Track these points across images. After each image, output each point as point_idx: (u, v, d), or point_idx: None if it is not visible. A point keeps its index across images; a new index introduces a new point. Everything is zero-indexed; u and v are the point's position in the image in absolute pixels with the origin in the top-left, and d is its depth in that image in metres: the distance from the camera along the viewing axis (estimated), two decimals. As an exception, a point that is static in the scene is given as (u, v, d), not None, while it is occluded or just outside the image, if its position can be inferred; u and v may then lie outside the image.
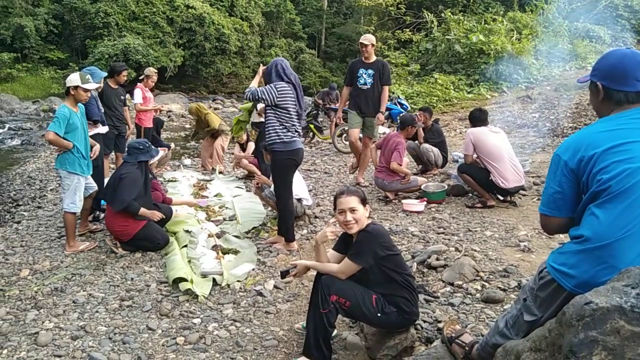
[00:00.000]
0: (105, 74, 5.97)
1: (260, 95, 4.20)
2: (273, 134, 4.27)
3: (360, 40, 6.31)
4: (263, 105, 4.42)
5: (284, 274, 3.00)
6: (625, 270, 1.60)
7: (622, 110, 1.81)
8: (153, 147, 4.89)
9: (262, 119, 4.81)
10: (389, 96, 12.03)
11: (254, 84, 4.35)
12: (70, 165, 4.51)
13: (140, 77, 7.80)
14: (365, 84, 6.22)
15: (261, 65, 4.63)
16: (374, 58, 6.30)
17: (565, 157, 1.81)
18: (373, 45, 6.27)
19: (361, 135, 6.59)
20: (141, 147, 4.68)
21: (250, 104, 5.75)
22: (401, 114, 7.52)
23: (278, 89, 4.21)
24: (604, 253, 1.70)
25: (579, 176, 1.78)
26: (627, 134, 1.74)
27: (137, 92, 7.44)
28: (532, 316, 1.92)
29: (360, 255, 2.64)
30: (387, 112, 10.47)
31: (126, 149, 4.87)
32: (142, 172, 4.62)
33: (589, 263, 1.73)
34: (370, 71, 6.19)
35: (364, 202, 2.75)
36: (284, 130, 4.25)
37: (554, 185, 1.85)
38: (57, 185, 7.26)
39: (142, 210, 4.48)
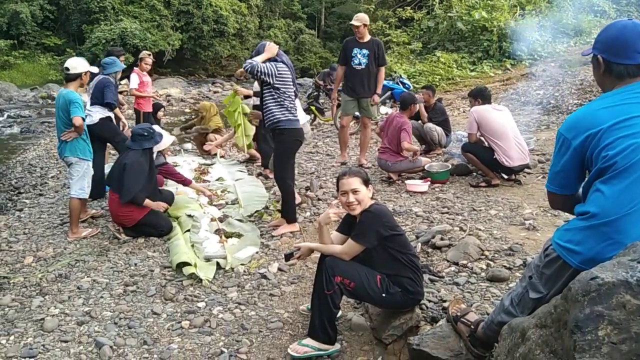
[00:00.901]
0: (124, 66, 6.00)
1: (261, 70, 4.09)
2: (278, 114, 4.22)
3: (352, 22, 6.19)
4: (256, 88, 4.36)
5: (288, 257, 3.00)
6: (631, 245, 1.60)
7: (624, 84, 1.78)
8: (157, 131, 4.84)
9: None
10: (392, 76, 11.95)
11: (260, 59, 4.16)
12: (81, 152, 4.55)
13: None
14: (359, 64, 6.13)
15: (271, 43, 4.39)
16: (368, 37, 6.20)
17: (569, 136, 1.80)
18: (365, 25, 6.14)
19: (358, 114, 6.53)
20: (145, 133, 4.62)
21: (234, 100, 5.66)
22: (402, 94, 7.45)
23: (278, 69, 4.14)
24: (610, 229, 1.69)
25: (584, 153, 1.77)
26: (631, 109, 1.71)
27: (134, 77, 7.38)
28: (537, 294, 1.91)
29: (364, 236, 2.62)
30: (389, 92, 10.40)
31: (130, 134, 4.84)
32: (146, 160, 4.58)
33: (595, 239, 1.72)
34: (364, 51, 6.10)
35: (366, 183, 2.72)
36: (285, 110, 4.20)
37: (559, 163, 1.85)
38: (58, 172, 7.25)
39: (147, 202, 4.47)
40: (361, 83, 6.17)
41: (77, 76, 4.54)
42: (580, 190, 1.90)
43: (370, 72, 6.14)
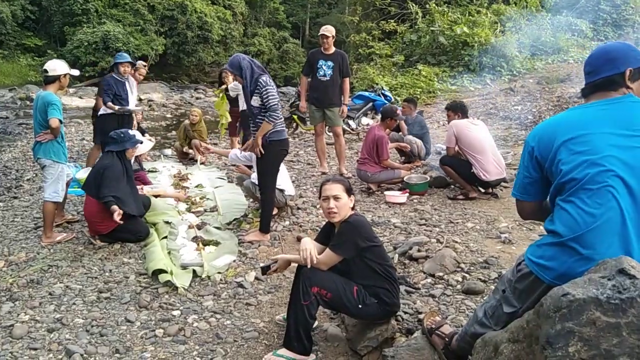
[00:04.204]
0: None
1: (277, 102, 4.14)
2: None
3: (321, 32, 6.32)
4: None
5: (265, 270, 2.94)
6: (602, 262, 1.62)
7: (587, 101, 1.90)
8: (132, 137, 4.78)
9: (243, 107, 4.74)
10: (373, 87, 12.05)
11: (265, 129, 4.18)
12: (55, 155, 4.46)
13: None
14: (324, 75, 6.26)
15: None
16: (333, 49, 6.33)
17: (532, 144, 1.89)
18: (334, 37, 6.30)
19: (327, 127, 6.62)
20: (115, 136, 4.61)
21: (223, 103, 5.75)
22: (383, 106, 7.53)
23: (274, 87, 4.19)
24: (576, 245, 1.72)
25: (543, 163, 1.85)
26: (587, 125, 1.78)
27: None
28: (511, 307, 1.94)
29: (342, 246, 2.63)
30: (371, 104, 10.48)
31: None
32: (121, 163, 4.54)
33: (565, 255, 1.75)
34: (329, 63, 6.23)
35: (348, 191, 2.74)
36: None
37: (523, 171, 1.94)
38: (34, 175, 7.10)
39: (113, 207, 4.23)
40: (326, 94, 6.31)
41: (56, 78, 4.48)
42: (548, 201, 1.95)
43: (335, 83, 6.28)
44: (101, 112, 6.06)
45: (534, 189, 1.92)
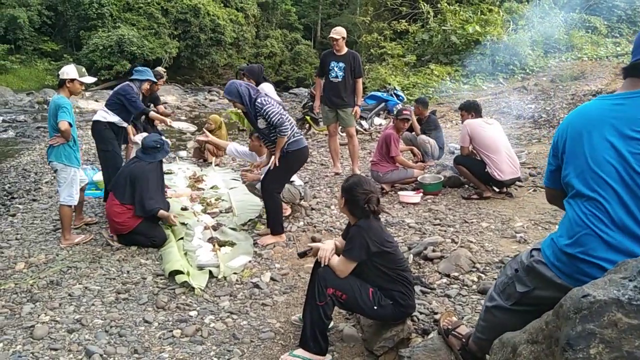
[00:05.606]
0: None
1: (280, 116, 4.09)
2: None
3: (330, 35, 6.36)
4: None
5: (302, 255, 2.99)
6: (622, 262, 1.60)
7: (620, 88, 1.80)
8: (165, 141, 4.88)
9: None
10: (386, 87, 12.03)
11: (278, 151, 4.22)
12: (66, 158, 4.50)
13: None
14: (336, 77, 6.29)
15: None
16: (345, 50, 6.35)
17: (556, 136, 1.89)
18: (344, 38, 6.32)
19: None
20: (159, 145, 4.66)
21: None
22: (397, 105, 7.52)
23: (270, 99, 4.18)
24: (576, 249, 1.72)
25: (557, 154, 1.87)
26: (595, 123, 1.72)
27: None
28: (524, 287, 1.93)
29: (353, 250, 2.63)
30: (383, 104, 10.46)
31: (142, 146, 4.79)
32: (158, 171, 4.66)
33: (568, 258, 1.75)
34: (341, 64, 6.26)
35: (342, 193, 2.75)
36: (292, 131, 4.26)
37: (549, 158, 1.96)
38: (52, 178, 7.20)
39: (161, 212, 4.52)
40: (338, 95, 6.34)
41: (63, 82, 4.50)
42: None
43: (347, 84, 6.31)
44: (97, 118, 5.36)
45: (553, 177, 1.94)
